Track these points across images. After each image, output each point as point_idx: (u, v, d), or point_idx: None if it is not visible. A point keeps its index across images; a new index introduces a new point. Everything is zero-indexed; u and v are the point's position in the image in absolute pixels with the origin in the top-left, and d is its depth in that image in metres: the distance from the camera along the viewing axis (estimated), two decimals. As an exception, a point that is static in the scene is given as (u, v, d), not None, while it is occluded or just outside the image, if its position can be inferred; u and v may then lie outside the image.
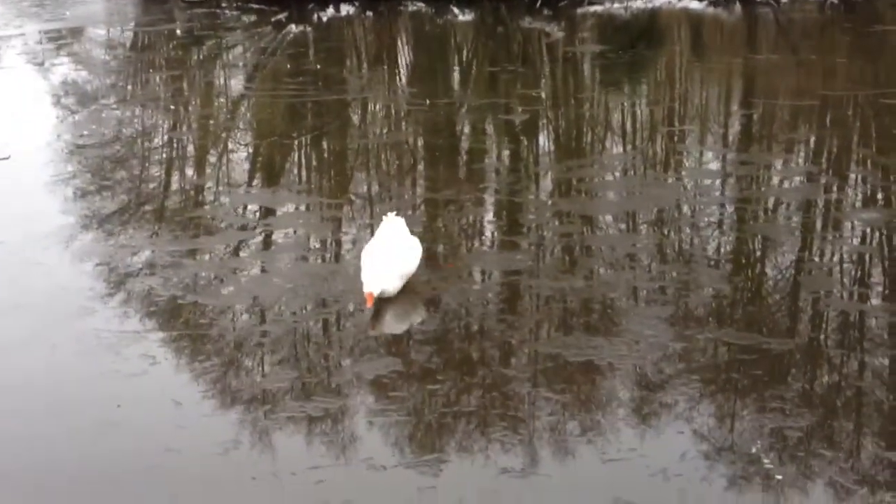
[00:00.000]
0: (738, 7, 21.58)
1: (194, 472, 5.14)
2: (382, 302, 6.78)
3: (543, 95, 14.01)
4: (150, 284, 7.35)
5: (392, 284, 6.83)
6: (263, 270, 7.74)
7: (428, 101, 13.37)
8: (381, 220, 7.47)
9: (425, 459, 5.21)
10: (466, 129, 12.54)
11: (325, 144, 11.87)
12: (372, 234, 8.55)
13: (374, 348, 6.36)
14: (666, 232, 8.61)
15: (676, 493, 4.94)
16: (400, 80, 16.29)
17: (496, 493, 4.96)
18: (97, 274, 7.63)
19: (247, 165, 11.10)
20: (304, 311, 6.93)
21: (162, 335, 6.62)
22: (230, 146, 12.03)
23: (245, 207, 9.41)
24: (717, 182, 10.09)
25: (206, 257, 8.05)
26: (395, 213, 7.46)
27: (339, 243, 8.39)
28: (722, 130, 12.36)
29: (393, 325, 6.72)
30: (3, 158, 10.98)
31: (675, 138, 11.86)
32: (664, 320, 6.64)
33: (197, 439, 5.41)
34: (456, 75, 16.85)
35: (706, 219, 8.83)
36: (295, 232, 8.59)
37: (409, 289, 7.08)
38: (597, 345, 6.31)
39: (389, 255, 6.90)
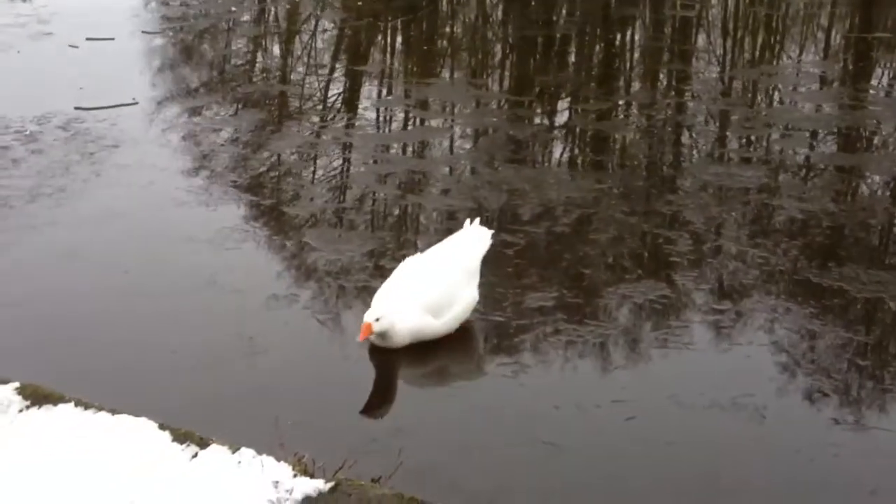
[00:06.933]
0: None
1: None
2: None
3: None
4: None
5: (404, 325, 4.69)
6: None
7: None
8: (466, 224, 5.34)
9: (736, 399, 4.66)
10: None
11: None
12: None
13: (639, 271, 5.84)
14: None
15: None
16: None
17: (829, 447, 4.45)
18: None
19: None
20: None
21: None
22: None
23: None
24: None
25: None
26: (480, 221, 5.33)
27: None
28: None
29: None
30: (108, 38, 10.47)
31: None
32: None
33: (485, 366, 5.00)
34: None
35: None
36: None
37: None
38: (881, 279, 5.72)
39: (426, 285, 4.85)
